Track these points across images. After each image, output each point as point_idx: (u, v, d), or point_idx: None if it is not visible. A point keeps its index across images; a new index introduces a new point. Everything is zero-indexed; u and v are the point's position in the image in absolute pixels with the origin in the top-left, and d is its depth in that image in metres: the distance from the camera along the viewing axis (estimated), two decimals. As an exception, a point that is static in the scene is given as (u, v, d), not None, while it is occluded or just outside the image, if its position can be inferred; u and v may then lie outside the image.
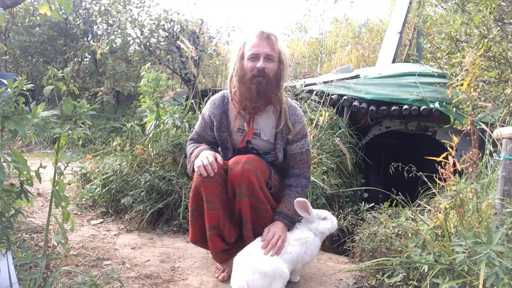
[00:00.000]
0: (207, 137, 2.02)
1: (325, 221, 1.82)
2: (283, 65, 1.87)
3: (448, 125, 2.53)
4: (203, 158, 1.78)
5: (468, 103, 2.34)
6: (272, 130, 1.93)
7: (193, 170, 1.86)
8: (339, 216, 2.32)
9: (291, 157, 1.96)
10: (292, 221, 1.84)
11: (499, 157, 1.81)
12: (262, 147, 1.96)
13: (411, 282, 1.48)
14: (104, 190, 2.90)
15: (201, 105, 3.41)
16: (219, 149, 2.05)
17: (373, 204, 2.30)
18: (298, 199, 1.79)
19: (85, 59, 8.43)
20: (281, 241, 1.73)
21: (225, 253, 1.90)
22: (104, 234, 2.50)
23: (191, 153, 1.94)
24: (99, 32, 6.85)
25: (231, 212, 1.84)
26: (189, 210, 1.86)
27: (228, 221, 1.83)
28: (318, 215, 1.83)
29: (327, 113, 3.69)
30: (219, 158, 1.81)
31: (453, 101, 2.58)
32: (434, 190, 2.12)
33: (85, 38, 8.03)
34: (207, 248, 1.92)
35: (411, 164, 2.09)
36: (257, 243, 1.74)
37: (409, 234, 1.80)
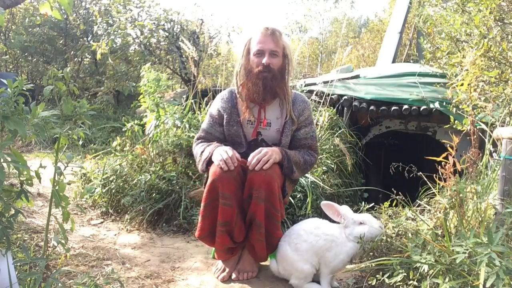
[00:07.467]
0: (215, 134, 2.03)
1: (362, 226, 1.72)
2: (287, 59, 1.97)
3: (448, 125, 2.52)
4: (222, 152, 1.79)
5: (468, 103, 2.34)
6: (279, 120, 2.00)
7: (207, 165, 1.86)
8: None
9: (296, 141, 2.02)
10: (289, 163, 1.87)
11: (499, 157, 1.81)
12: (271, 137, 2.01)
13: (411, 282, 1.48)
14: (104, 190, 2.90)
15: (201, 105, 3.41)
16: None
17: (373, 204, 2.30)
18: (324, 202, 1.83)
19: (85, 59, 8.44)
20: (268, 157, 1.76)
21: (229, 251, 1.91)
22: (104, 234, 2.50)
23: (202, 151, 1.93)
24: (99, 32, 6.85)
25: (243, 212, 1.84)
26: (201, 205, 1.84)
27: (240, 220, 1.83)
28: (354, 220, 1.74)
29: (327, 113, 3.69)
30: (237, 154, 1.82)
31: (453, 101, 2.58)
32: (434, 190, 2.12)
33: (85, 38, 8.04)
34: (212, 245, 1.92)
35: (411, 164, 2.09)
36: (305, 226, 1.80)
37: (409, 234, 1.80)
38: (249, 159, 1.78)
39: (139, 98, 3.36)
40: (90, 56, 8.21)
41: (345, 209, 1.80)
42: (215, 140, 2.00)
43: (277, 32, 1.92)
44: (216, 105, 2.05)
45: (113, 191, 2.86)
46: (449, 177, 1.77)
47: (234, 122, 1.99)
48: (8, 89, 1.38)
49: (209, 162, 1.86)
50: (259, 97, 1.91)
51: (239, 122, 1.99)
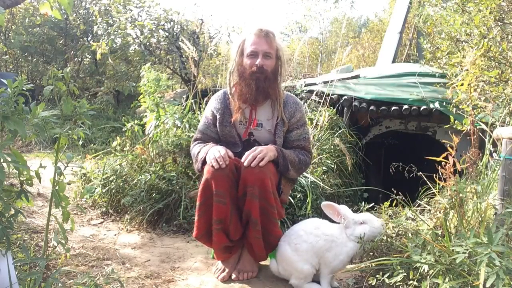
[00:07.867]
0: (211, 134, 2.05)
1: (363, 226, 1.72)
2: (280, 61, 1.99)
3: (448, 125, 2.53)
4: (215, 151, 1.82)
5: (468, 103, 2.34)
6: (270, 121, 2.01)
7: (202, 165, 1.88)
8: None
9: (289, 143, 2.03)
10: (284, 160, 1.89)
11: (499, 157, 1.81)
12: (264, 138, 2.01)
13: (411, 282, 1.48)
14: (104, 190, 2.90)
15: (201, 105, 3.41)
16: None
17: (373, 204, 2.30)
18: (324, 202, 1.83)
19: (85, 59, 8.44)
20: (262, 154, 1.78)
21: (227, 250, 1.90)
22: (104, 234, 2.50)
23: (198, 152, 1.95)
24: (99, 32, 6.84)
25: (238, 209, 1.85)
26: (196, 204, 1.85)
27: (235, 218, 1.83)
28: (354, 220, 1.74)
29: (327, 113, 3.69)
30: (230, 153, 1.84)
31: (453, 101, 2.58)
32: (434, 190, 2.12)
33: (85, 38, 8.04)
34: (210, 245, 1.92)
35: (411, 164, 2.09)
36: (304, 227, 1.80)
37: (409, 234, 1.80)
38: (244, 157, 1.79)
39: (139, 98, 3.36)
40: (90, 56, 8.21)
41: (344, 209, 1.80)
42: (211, 140, 2.02)
43: (271, 34, 1.93)
44: (210, 106, 2.08)
45: (113, 191, 2.86)
46: (449, 177, 1.77)
47: (227, 122, 2.01)
48: (8, 89, 1.38)
49: (204, 162, 1.88)
50: (252, 97, 1.93)
51: (231, 122, 2.00)
